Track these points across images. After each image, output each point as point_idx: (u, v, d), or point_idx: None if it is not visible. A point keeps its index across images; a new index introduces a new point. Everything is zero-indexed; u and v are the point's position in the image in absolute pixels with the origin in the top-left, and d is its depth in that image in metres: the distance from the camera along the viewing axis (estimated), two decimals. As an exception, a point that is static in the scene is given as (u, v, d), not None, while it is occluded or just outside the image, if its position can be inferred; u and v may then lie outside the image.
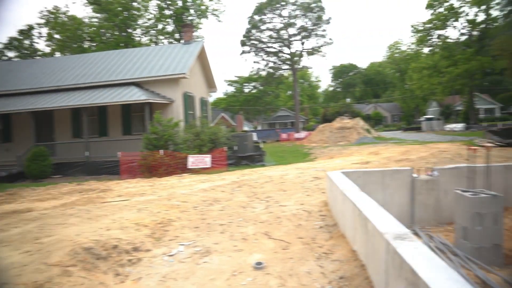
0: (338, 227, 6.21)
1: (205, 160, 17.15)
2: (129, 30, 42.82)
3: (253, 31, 51.07)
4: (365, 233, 4.22)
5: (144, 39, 44.41)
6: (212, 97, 69.26)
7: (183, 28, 27.14)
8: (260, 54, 52.18)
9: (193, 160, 16.84)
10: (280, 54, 52.35)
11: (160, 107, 19.86)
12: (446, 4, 54.05)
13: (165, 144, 17.47)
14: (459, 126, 47.50)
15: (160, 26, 44.19)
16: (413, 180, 7.80)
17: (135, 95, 18.67)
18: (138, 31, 44.34)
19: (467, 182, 6.81)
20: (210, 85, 27.60)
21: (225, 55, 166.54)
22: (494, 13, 52.86)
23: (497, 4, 50.58)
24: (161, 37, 44.50)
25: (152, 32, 44.41)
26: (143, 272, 4.99)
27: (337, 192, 6.14)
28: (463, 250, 6.09)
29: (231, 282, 4.63)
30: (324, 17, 50.32)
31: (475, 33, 55.99)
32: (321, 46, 51.51)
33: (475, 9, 53.77)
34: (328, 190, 7.62)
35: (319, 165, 15.11)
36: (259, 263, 5.06)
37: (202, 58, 25.12)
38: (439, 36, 57.60)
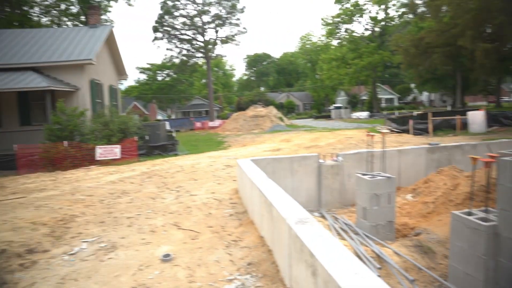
0: (247, 214, 6.30)
1: (115, 150, 16.31)
2: (25, 8, 38.59)
3: (166, 17, 49.41)
4: (270, 219, 4.31)
5: (44, 20, 40.34)
6: (123, 85, 66.00)
7: (89, 10, 25.15)
8: (173, 41, 50.71)
9: (101, 151, 15.90)
10: (194, 42, 51.42)
11: (63, 95, 18.34)
12: (352, 0, 57.65)
13: (70, 135, 16.25)
14: (364, 114, 51.19)
15: (63, 6, 40.55)
16: (320, 166, 8.20)
17: (34, 82, 16.99)
18: (36, 9, 40.13)
19: (367, 166, 7.33)
20: (120, 72, 26.18)
21: (137, 41, 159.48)
22: (392, 13, 57.98)
23: (393, 5, 55.74)
24: (64, 18, 40.82)
25: (54, 12, 40.55)
26: (38, 276, 4.57)
27: (246, 180, 6.21)
28: (363, 228, 6.56)
29: (137, 277, 4.45)
30: (238, 6, 50.51)
31: (377, 29, 60.73)
32: (235, 34, 51.66)
33: (376, 8, 58.34)
34: (238, 178, 7.70)
35: (232, 153, 15.21)
36: (167, 255, 4.93)
37: (110, 43, 23.67)
38: (346, 30, 61.40)
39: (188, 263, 4.78)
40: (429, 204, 7.44)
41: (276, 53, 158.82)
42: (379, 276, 4.70)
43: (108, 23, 30.91)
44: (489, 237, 4.07)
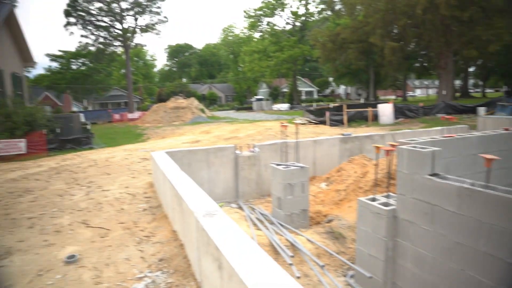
0: (162, 208, 6.11)
1: (19, 145, 14.96)
2: None
3: (80, 0, 46.08)
4: (181, 213, 4.20)
5: None
6: (30, 73, 60.50)
7: (-18, -15, 22.45)
8: (88, 27, 47.43)
9: (2, 146, 14.47)
10: (112, 29, 48.63)
11: (-47, 82, 16.30)
12: (274, -7, 58.86)
13: (-39, 128, 14.56)
14: (284, 106, 52.60)
15: None
16: (236, 157, 8.20)
17: None
18: None
19: (282, 156, 7.48)
20: (26, 59, 23.85)
21: (46, 24, 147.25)
22: (312, 8, 60.28)
23: (313, 1, 58.01)
24: None
25: None
26: None
27: (159, 173, 6.01)
28: (278, 218, 6.69)
29: (34, 284, 4.06)
30: (159, -6, 48.79)
31: (297, 23, 62.64)
32: (156, 23, 49.83)
33: (297, 3, 60.22)
34: (152, 171, 7.45)
35: (150, 145, 14.72)
36: (71, 256, 4.58)
37: (12, 25, 21.41)
38: (268, 23, 62.56)
39: (95, 263, 4.49)
40: (341, 192, 7.81)
41: (198, 44, 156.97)
42: (291, 264, 4.81)
43: (8, 2, 27.80)
44: (389, 220, 4.36)
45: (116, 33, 48.97)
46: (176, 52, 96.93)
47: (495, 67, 52.27)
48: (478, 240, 3.47)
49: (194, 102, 37.76)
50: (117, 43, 50.00)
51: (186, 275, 3.99)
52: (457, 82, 60.98)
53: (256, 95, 73.04)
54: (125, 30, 48.54)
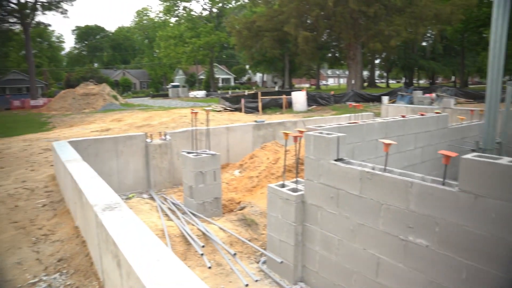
0: (64, 202, 5.63)
1: None
2: None
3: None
4: (82, 207, 3.89)
5: None
6: None
7: None
8: (-28, -4, 41.46)
9: None
10: (5, 3, 43.09)
11: None
12: (189, -23, 57.40)
13: None
14: (201, 93, 52.06)
15: None
16: (147, 145, 7.87)
17: None
18: None
19: (194, 144, 7.33)
20: None
21: None
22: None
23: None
24: None
25: None
26: None
27: (60, 164, 5.52)
28: (190, 207, 6.55)
29: None
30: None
31: (214, 10, 62.02)
32: (61, 1, 45.73)
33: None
34: (54, 162, 6.85)
35: (54, 135, 13.59)
36: None
37: None
38: (184, 8, 61.02)
39: (-25, 272, 3.97)
40: (254, 179, 7.88)
41: (111, 27, 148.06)
42: (202, 254, 4.73)
43: None
44: (297, 206, 4.46)
45: (11, 8, 43.63)
46: (86, 34, 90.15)
47: (397, 60, 57.04)
48: (377, 220, 3.68)
49: (106, 88, 35.77)
50: (13, 19, 44.76)
51: (88, 275, 3.71)
52: (365, 73, 65.38)
53: (172, 82, 71.20)
54: (22, 5, 43.42)
